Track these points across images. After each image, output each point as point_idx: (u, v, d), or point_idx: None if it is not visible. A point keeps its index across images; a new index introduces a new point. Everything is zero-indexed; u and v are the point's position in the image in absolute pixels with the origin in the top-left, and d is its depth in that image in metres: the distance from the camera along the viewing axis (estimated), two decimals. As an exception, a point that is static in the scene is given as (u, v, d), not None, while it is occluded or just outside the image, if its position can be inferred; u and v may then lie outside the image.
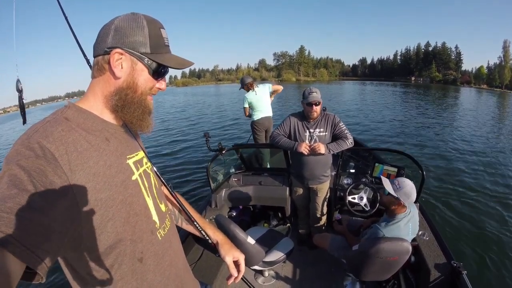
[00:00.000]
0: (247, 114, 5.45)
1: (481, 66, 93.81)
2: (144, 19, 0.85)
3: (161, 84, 0.94)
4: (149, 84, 0.89)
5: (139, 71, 0.86)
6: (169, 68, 0.94)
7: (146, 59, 0.85)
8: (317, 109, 2.77)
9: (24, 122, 0.98)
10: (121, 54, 0.83)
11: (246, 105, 5.34)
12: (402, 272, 2.50)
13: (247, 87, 5.22)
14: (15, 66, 1.13)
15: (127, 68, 0.84)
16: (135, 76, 0.86)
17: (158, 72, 0.89)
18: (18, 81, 0.98)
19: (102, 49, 0.83)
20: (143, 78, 0.87)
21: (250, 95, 5.19)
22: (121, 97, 0.86)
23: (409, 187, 2.16)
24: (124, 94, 0.86)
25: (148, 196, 0.95)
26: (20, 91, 0.99)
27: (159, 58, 0.86)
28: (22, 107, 1.01)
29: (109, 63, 0.83)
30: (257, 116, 5.25)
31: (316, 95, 2.75)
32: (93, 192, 0.76)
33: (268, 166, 4.80)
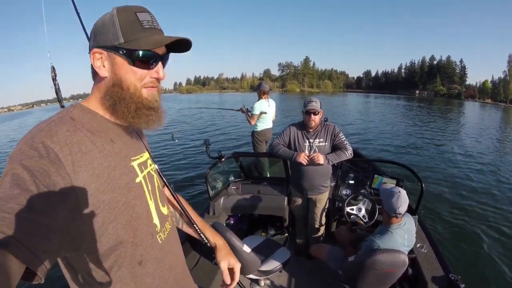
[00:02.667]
0: (254, 123, 5.15)
1: (486, 81, 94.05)
2: (115, 9, 0.80)
3: (155, 73, 0.85)
4: (136, 75, 0.82)
5: (119, 65, 0.81)
6: (166, 55, 0.89)
7: (121, 50, 0.79)
8: (315, 118, 2.77)
9: (62, 106, 0.97)
10: (100, 53, 0.81)
11: (257, 113, 5.04)
12: (399, 284, 2.48)
13: (261, 93, 5.05)
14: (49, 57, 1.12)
15: (108, 65, 0.82)
16: (118, 72, 0.81)
17: (140, 60, 0.81)
18: (52, 67, 1.02)
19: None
20: (125, 71, 0.81)
21: (263, 104, 5.03)
22: (111, 96, 0.83)
23: (391, 198, 2.16)
24: (113, 93, 0.83)
25: (151, 199, 0.95)
26: (54, 78, 1.03)
27: (133, 44, 0.79)
28: (57, 92, 1.05)
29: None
30: (260, 127, 5.17)
31: (315, 104, 2.76)
32: (96, 193, 0.76)
33: (268, 176, 4.79)
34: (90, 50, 0.83)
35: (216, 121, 20.50)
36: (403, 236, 2.15)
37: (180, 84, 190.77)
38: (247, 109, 5.30)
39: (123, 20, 0.79)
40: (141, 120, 0.86)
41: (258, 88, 5.17)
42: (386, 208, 2.18)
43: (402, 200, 2.13)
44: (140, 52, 0.79)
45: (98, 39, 0.81)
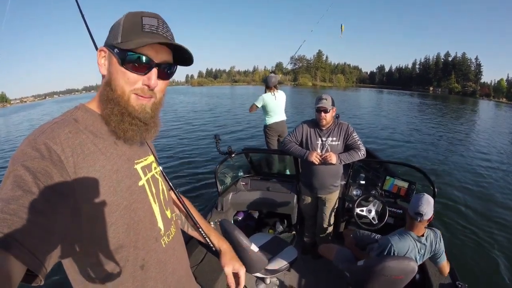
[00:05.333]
0: (253, 111, 5.21)
1: (501, 79, 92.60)
2: (127, 13, 0.81)
3: (147, 79, 0.81)
4: (125, 78, 0.79)
5: (113, 64, 0.80)
6: (176, 66, 0.88)
7: (116, 49, 0.78)
8: (326, 116, 2.73)
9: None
10: (104, 51, 0.81)
11: (259, 105, 5.05)
12: None
13: (268, 88, 4.99)
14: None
15: (107, 64, 0.81)
16: (111, 71, 0.80)
17: (131, 62, 0.78)
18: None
19: None
20: (116, 70, 0.79)
21: (268, 98, 4.96)
22: (103, 94, 0.82)
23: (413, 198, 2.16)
24: (104, 91, 0.82)
25: (155, 203, 0.94)
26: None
27: (126, 44, 0.76)
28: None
29: None
30: (269, 120, 5.12)
31: (326, 102, 2.71)
32: (97, 196, 0.75)
33: (277, 172, 4.76)
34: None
35: (229, 116, 20.51)
36: (418, 251, 2.13)
37: (192, 76, 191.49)
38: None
39: (127, 21, 0.79)
40: (121, 127, 0.82)
41: (265, 83, 5.08)
42: (409, 210, 2.15)
43: (424, 201, 2.09)
44: (129, 53, 0.77)
45: (107, 38, 0.82)
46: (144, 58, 0.78)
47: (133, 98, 0.82)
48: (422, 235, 2.15)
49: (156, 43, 0.78)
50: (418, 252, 2.13)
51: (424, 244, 2.14)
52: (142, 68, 0.79)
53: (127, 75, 0.79)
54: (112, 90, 0.80)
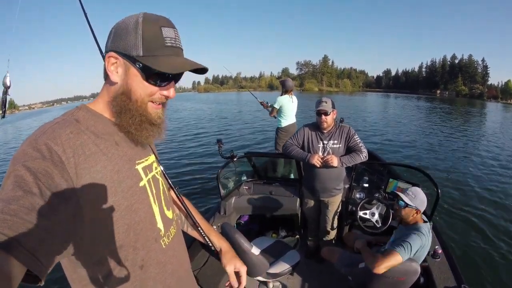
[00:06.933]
0: (274, 114, 5.39)
1: (509, 81, 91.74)
2: (141, 17, 0.78)
3: (166, 92, 0.85)
4: (146, 91, 0.81)
5: (132, 76, 0.79)
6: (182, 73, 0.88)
7: (138, 62, 0.78)
8: (326, 119, 2.73)
9: (3, 117, 1.01)
10: (116, 58, 0.79)
11: (277, 107, 5.22)
12: None
13: (285, 91, 5.19)
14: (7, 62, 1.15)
15: (122, 73, 0.80)
16: (129, 82, 0.80)
17: (154, 77, 0.80)
18: (6, 76, 1.02)
19: (104, 54, 0.83)
20: (137, 83, 0.80)
21: (285, 100, 5.16)
22: (118, 103, 0.82)
23: (421, 194, 2.25)
24: (120, 101, 0.82)
25: (155, 203, 0.94)
26: (8, 86, 1.03)
27: (151, 60, 0.77)
28: (4, 103, 1.05)
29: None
30: (284, 123, 5.27)
31: (326, 104, 2.71)
32: (98, 197, 0.75)
33: (281, 176, 4.76)
34: (106, 49, 0.81)
35: (234, 119, 20.53)
36: (428, 232, 2.17)
37: (199, 83, 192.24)
38: (267, 102, 5.57)
39: (147, 31, 0.77)
40: (142, 134, 0.85)
41: (283, 86, 5.30)
42: (419, 205, 2.22)
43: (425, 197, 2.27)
44: (161, 72, 0.79)
45: (117, 43, 0.79)
46: (169, 75, 0.83)
47: (150, 105, 0.85)
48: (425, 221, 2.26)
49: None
50: (428, 232, 2.16)
51: (428, 225, 2.23)
52: (163, 80, 0.83)
53: (149, 89, 0.82)
54: (131, 100, 0.82)
